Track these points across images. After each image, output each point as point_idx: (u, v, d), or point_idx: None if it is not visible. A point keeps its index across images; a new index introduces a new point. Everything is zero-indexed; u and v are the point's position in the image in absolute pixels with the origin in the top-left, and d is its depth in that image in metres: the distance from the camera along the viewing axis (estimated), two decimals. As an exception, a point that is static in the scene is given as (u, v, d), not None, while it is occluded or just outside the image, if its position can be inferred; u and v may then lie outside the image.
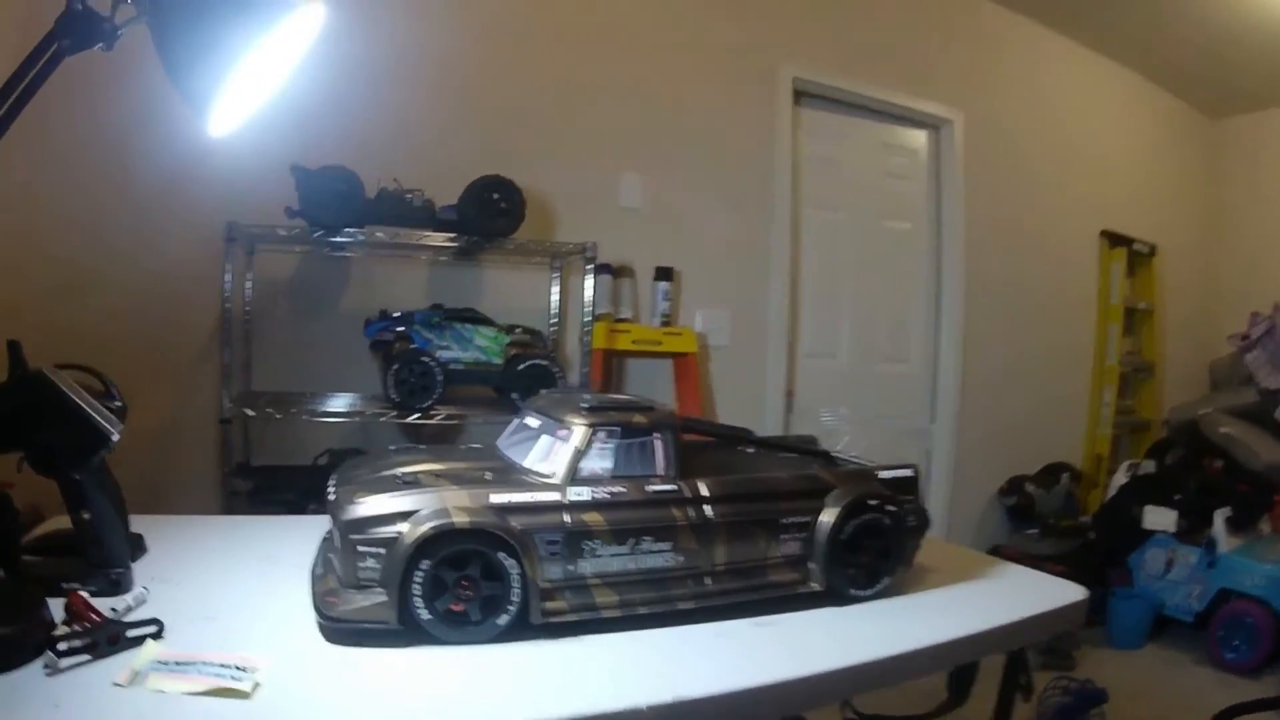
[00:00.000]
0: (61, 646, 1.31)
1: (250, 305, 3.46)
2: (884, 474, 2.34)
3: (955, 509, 4.58)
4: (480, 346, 3.19)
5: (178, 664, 1.31)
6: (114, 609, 1.56)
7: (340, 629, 1.84)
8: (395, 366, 3.07)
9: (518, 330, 3.29)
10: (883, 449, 4.44)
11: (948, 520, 4.57)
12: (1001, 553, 4.10)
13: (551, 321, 3.72)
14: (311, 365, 3.48)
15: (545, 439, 2.15)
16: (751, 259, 4.13)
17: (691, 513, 2.10)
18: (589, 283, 3.48)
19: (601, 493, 2.04)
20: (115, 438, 1.68)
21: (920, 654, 2.04)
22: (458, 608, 1.89)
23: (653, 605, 2.06)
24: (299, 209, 3.10)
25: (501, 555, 1.93)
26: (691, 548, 2.09)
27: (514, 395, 3.24)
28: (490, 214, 3.29)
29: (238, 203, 3.17)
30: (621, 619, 2.03)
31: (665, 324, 3.82)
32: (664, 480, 2.11)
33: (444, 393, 3.18)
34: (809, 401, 4.42)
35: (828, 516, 2.21)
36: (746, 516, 2.15)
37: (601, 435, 2.12)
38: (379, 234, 3.18)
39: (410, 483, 2.01)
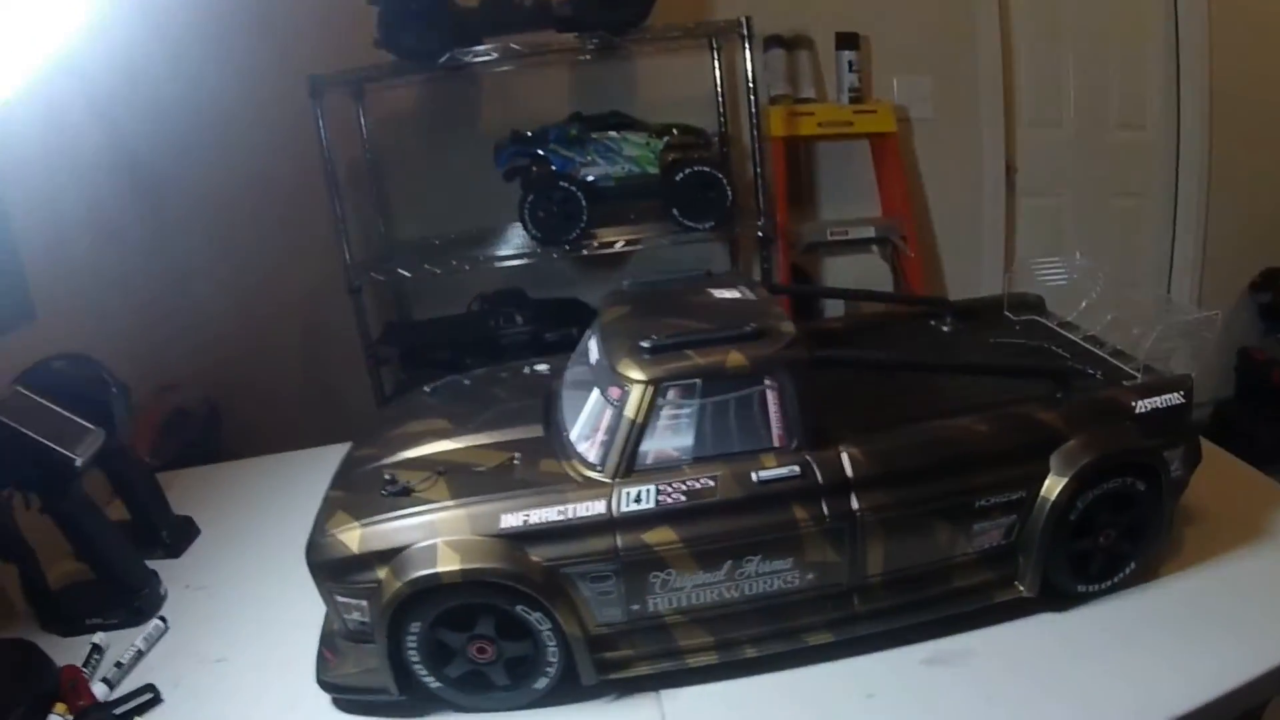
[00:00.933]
0: None
1: (370, 153, 2.92)
2: (1143, 404, 1.39)
3: (1201, 304, 3.49)
4: (630, 157, 2.57)
5: None
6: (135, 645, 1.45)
7: (340, 698, 1.34)
8: (530, 199, 2.52)
9: (674, 131, 2.61)
10: (1118, 236, 3.27)
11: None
12: (1250, 356, 3.33)
13: (720, 115, 2.91)
14: (454, 205, 2.98)
15: (596, 396, 1.36)
16: (953, 11, 3.10)
17: (828, 508, 1.29)
18: (750, 60, 2.63)
19: (674, 493, 1.27)
20: (79, 463, 1.48)
21: (1222, 697, 1.24)
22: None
23: (768, 644, 1.34)
24: (382, 39, 2.51)
25: (521, 609, 1.25)
26: (828, 559, 1.31)
27: (675, 212, 2.58)
28: (611, 2, 2.49)
29: (324, 48, 2.60)
30: (721, 665, 1.33)
31: (855, 100, 2.97)
32: (781, 455, 1.30)
33: (598, 216, 2.61)
34: (1033, 179, 3.27)
35: (1052, 490, 1.33)
36: (920, 506, 1.32)
37: (673, 395, 1.29)
38: (491, 52, 2.53)
39: (397, 491, 1.32)
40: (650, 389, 1.29)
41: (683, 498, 1.27)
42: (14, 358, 1.78)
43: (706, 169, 2.56)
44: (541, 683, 1.31)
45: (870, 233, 2.95)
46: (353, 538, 1.29)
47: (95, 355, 2.22)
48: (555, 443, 1.40)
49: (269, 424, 2.63)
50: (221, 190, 2.68)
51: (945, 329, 1.74)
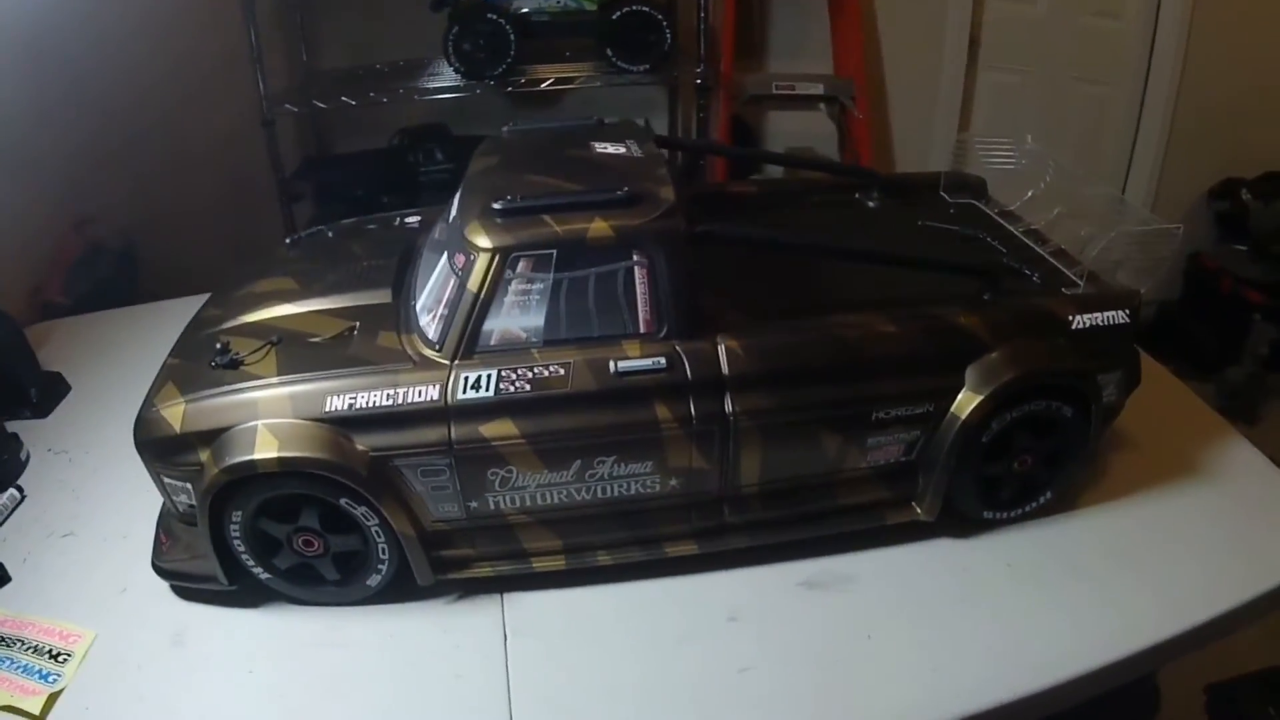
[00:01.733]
0: None
1: None
2: (1082, 319, 1.18)
3: (1157, 206, 3.17)
4: None
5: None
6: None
7: (176, 585, 1.22)
8: (455, 30, 2.29)
9: None
10: (1078, 125, 2.93)
11: None
12: (1200, 261, 3.14)
13: None
14: (382, 35, 2.70)
15: (443, 262, 1.17)
16: None
17: (697, 409, 1.11)
18: None
19: (518, 380, 1.09)
20: None
21: (1116, 663, 1.08)
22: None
23: (623, 551, 1.19)
24: None
25: (345, 501, 1.09)
26: (694, 466, 1.14)
27: (610, 52, 2.35)
28: None
29: None
30: (571, 572, 1.19)
31: None
32: (646, 344, 1.11)
33: (529, 52, 2.38)
34: (996, 53, 2.94)
35: (964, 407, 1.14)
36: (807, 414, 1.14)
37: (524, 268, 1.09)
38: None
39: (226, 363, 1.16)
40: (496, 258, 1.09)
41: (527, 387, 1.09)
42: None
43: (646, 8, 2.29)
44: (374, 579, 1.17)
45: (819, 89, 2.67)
46: (176, 415, 1.13)
47: (7, 187, 2.07)
48: (400, 312, 1.21)
49: (187, 262, 2.43)
50: (139, 16, 2.40)
51: (871, 204, 1.51)
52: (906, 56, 2.85)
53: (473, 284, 1.10)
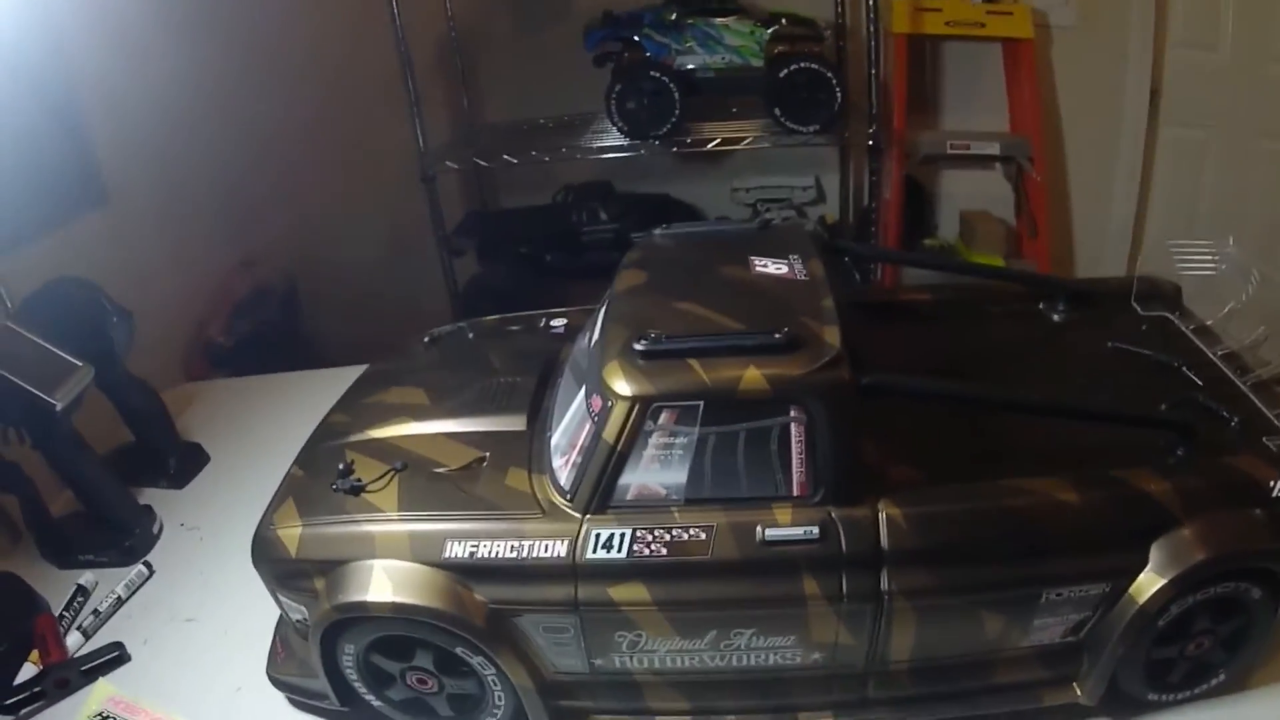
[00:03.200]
0: (10, 700, 1.19)
1: (456, 27, 2.53)
2: (1281, 486, 1.02)
3: None
4: (732, 46, 2.19)
5: None
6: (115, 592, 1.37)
7: (291, 697, 1.17)
8: (618, 88, 2.18)
9: (782, 21, 2.21)
10: (1265, 185, 2.66)
11: None
12: None
13: (837, 5, 2.46)
14: (547, 86, 2.60)
15: (580, 399, 1.06)
16: None
17: (850, 585, 0.98)
18: None
19: (653, 543, 0.97)
20: (59, 407, 1.36)
21: None
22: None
23: (754, 717, 1.07)
24: None
25: (461, 651, 1.00)
26: (840, 641, 1.01)
27: (778, 111, 2.18)
28: None
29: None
30: (697, 733, 1.08)
31: None
32: (799, 509, 0.98)
33: (694, 109, 2.24)
34: (1179, 106, 2.68)
35: (1144, 589, 1.00)
36: (972, 595, 1.00)
37: (666, 419, 0.98)
38: None
39: (347, 488, 1.07)
40: (636, 408, 0.97)
41: (664, 551, 0.98)
42: (81, 246, 1.68)
43: (815, 65, 2.11)
44: (490, 720, 1.08)
45: (995, 149, 2.47)
46: (292, 539, 1.06)
47: (171, 234, 2.09)
48: (533, 445, 1.11)
49: (347, 308, 2.41)
50: (304, 64, 2.36)
51: (1056, 317, 1.35)
52: (1085, 111, 2.63)
53: (609, 434, 0.98)
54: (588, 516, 0.99)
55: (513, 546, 0.99)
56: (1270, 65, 2.62)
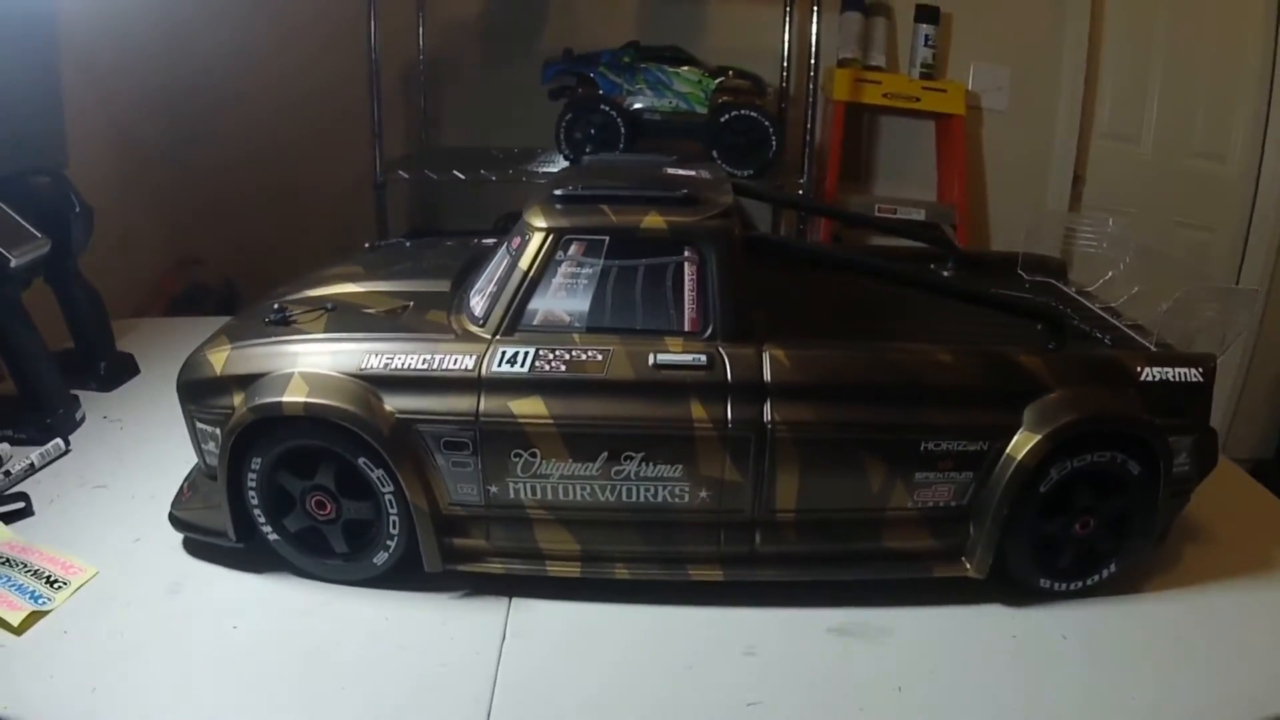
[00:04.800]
0: None
1: (425, 54, 2.74)
2: (1150, 371, 1.07)
3: (1252, 381, 2.89)
4: (680, 92, 2.35)
5: (3, 562, 1.11)
6: (29, 459, 1.35)
7: (186, 535, 1.18)
8: (568, 117, 2.33)
9: (729, 73, 2.37)
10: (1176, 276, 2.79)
11: (1234, 399, 2.90)
12: None
13: (783, 70, 2.67)
14: (503, 118, 2.80)
15: (502, 249, 1.15)
16: (1041, 3, 2.80)
17: (734, 412, 1.02)
18: (822, 19, 2.41)
19: (554, 360, 1.03)
20: (13, 263, 1.39)
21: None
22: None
23: (643, 567, 1.08)
24: None
25: (363, 461, 1.03)
26: (727, 477, 1.04)
27: (715, 154, 2.32)
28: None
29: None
30: (584, 581, 1.08)
31: (927, 76, 2.69)
32: (689, 341, 1.04)
33: (633, 147, 2.36)
34: (1100, 193, 2.89)
35: (1020, 447, 1.03)
36: (850, 432, 1.04)
37: (575, 251, 1.06)
38: None
39: (278, 320, 1.14)
40: (550, 238, 1.07)
41: (562, 367, 1.04)
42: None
43: (755, 114, 2.26)
44: (381, 557, 1.09)
45: (920, 215, 2.63)
46: (219, 359, 1.12)
47: (120, 216, 2.12)
48: (455, 299, 1.19)
49: None
50: (267, 72, 2.57)
51: (945, 274, 1.44)
52: (1009, 190, 2.82)
53: (524, 262, 1.07)
54: (496, 337, 1.06)
55: (424, 360, 1.05)
56: (1189, 159, 2.82)
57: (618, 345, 1.04)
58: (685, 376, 1.03)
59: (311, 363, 1.07)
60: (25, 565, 1.10)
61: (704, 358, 1.03)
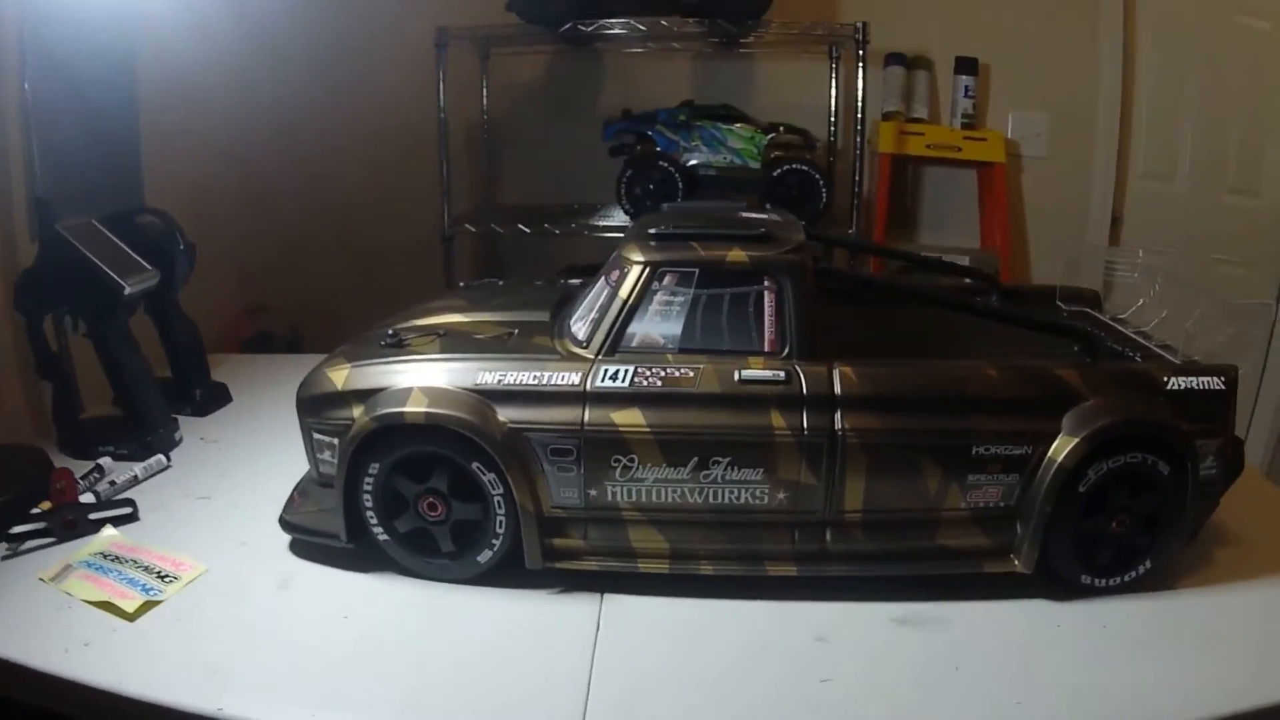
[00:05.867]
0: (16, 530, 1.24)
1: (488, 115, 2.90)
2: (1176, 381, 1.20)
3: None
4: (734, 148, 2.45)
5: (113, 559, 1.21)
6: (133, 471, 1.44)
7: (296, 538, 1.28)
8: (628, 174, 2.44)
9: (780, 129, 2.49)
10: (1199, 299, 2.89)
11: (1274, 425, 2.99)
12: None
13: (830, 124, 2.77)
14: (562, 176, 2.92)
15: (600, 282, 1.29)
16: (1077, 52, 2.86)
17: (809, 421, 1.15)
18: (862, 67, 2.52)
19: (650, 376, 1.16)
20: (127, 290, 1.50)
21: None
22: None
23: (725, 564, 1.19)
24: (510, 2, 2.47)
25: (476, 466, 1.16)
26: (802, 480, 1.16)
27: (767, 207, 2.40)
28: (733, -11, 2.35)
29: (455, 4, 2.59)
30: (672, 576, 1.19)
31: (968, 125, 2.78)
32: (769, 360, 1.18)
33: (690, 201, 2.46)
34: (1138, 232, 2.98)
35: (1060, 450, 1.15)
36: (910, 438, 1.17)
37: (669, 281, 1.21)
38: (615, 27, 2.47)
39: (393, 344, 1.28)
40: (646, 270, 1.21)
41: (659, 383, 1.17)
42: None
43: (805, 168, 2.38)
44: (485, 555, 1.20)
45: (964, 261, 2.75)
46: (340, 376, 1.25)
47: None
48: (556, 326, 1.33)
49: None
50: (336, 127, 2.72)
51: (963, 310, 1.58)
52: (1050, 234, 2.87)
53: (624, 291, 1.21)
54: (599, 357, 1.19)
55: (534, 376, 1.18)
56: (1224, 195, 2.91)
57: (706, 363, 1.18)
58: (766, 390, 1.16)
59: (429, 379, 1.20)
60: (135, 562, 1.19)
61: (782, 373, 1.17)
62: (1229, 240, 2.94)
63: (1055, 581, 1.20)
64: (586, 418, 1.16)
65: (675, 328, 1.20)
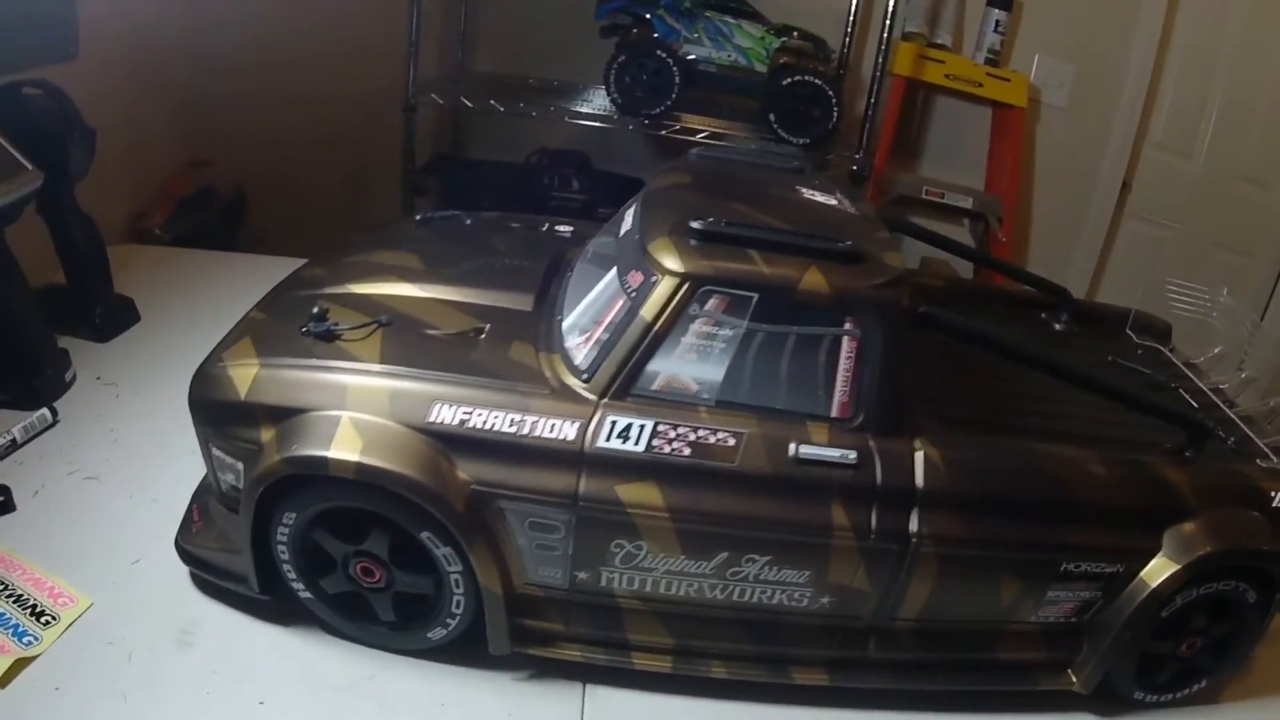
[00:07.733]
0: None
1: None
2: None
3: None
4: (740, 47, 2.10)
5: None
6: (10, 434, 1.12)
7: (197, 573, 0.95)
8: (620, 59, 2.06)
9: (794, 34, 2.13)
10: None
11: None
12: None
13: (846, 35, 2.38)
14: (545, 47, 2.47)
15: (610, 278, 0.90)
16: (1116, 8, 2.55)
17: (879, 522, 0.85)
18: None
19: (676, 440, 0.82)
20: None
21: None
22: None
23: (743, 667, 0.92)
24: None
25: (427, 536, 0.81)
26: (854, 585, 0.88)
27: (772, 118, 2.08)
28: None
29: None
30: (675, 677, 0.92)
31: (991, 62, 2.44)
32: (837, 431, 0.85)
33: (689, 99, 2.13)
34: (1144, 203, 2.78)
35: (1156, 574, 0.91)
36: (998, 550, 0.89)
37: (714, 305, 0.84)
38: None
39: (320, 332, 0.86)
40: (685, 286, 0.83)
41: (686, 450, 0.83)
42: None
43: (818, 81, 2.02)
44: (437, 633, 0.89)
45: (968, 203, 2.46)
46: (244, 378, 0.85)
47: (130, 112, 1.87)
48: (541, 325, 0.94)
49: (293, 227, 2.19)
50: None
51: (1057, 327, 1.30)
52: (1058, 189, 2.66)
53: (648, 311, 0.84)
54: (605, 401, 0.84)
55: (513, 420, 0.82)
56: (1237, 183, 2.76)
57: (754, 427, 0.84)
58: (830, 475, 0.84)
59: (365, 403, 0.82)
60: (7, 587, 0.91)
61: (853, 454, 0.85)
62: (1233, 228, 2.81)
63: (1102, 695, 1.00)
64: (583, 488, 0.82)
65: (716, 372, 0.84)
